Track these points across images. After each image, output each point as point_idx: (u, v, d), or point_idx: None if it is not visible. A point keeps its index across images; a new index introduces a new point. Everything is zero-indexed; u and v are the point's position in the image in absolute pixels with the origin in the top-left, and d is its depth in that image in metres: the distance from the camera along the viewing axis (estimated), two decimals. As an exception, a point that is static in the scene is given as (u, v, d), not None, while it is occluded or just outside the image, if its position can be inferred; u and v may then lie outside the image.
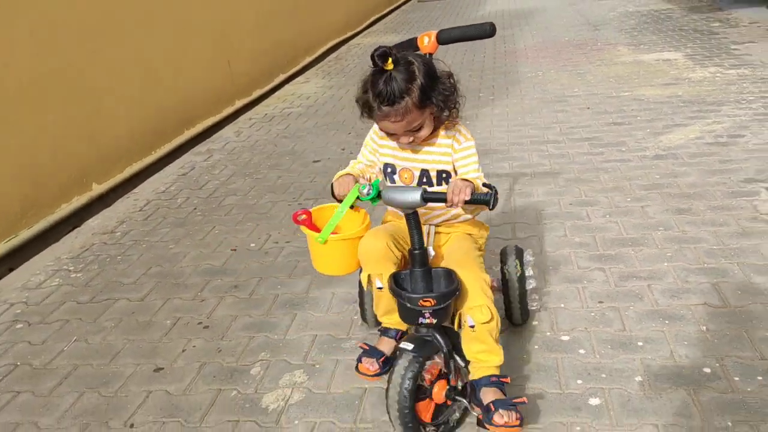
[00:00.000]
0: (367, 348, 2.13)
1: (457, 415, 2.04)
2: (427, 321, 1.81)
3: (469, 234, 2.17)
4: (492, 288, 2.03)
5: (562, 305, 2.65)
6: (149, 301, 2.98)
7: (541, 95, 6.03)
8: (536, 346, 2.40)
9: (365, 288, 2.10)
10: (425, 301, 1.78)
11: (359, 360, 2.11)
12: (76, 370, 2.49)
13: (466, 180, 1.80)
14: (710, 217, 3.29)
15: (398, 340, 2.14)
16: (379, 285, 2.01)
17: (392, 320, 2.17)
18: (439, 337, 1.90)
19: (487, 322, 1.90)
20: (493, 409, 1.88)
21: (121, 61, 4.69)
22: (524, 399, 1.91)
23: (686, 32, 8.33)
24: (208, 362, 2.48)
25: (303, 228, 2.00)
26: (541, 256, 3.07)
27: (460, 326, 1.95)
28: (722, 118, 4.82)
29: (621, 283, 2.77)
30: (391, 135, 1.94)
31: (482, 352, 1.95)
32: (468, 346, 1.96)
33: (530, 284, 2.43)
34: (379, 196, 1.81)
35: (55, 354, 2.61)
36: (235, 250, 3.44)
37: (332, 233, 1.94)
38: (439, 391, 1.92)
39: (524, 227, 3.38)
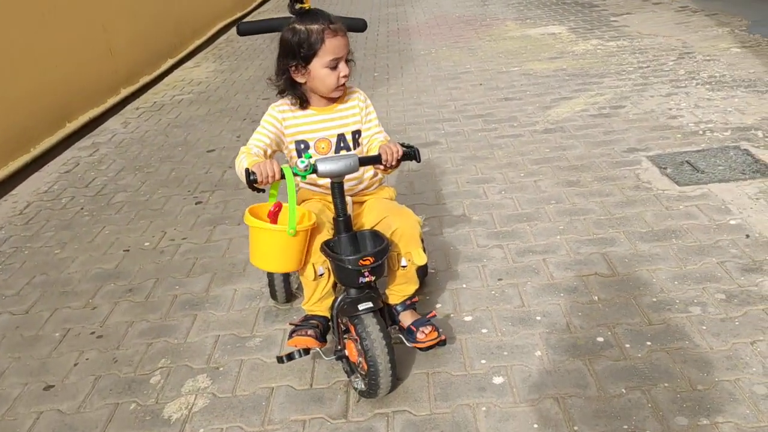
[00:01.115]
0: (299, 323, 2.19)
1: None
2: (367, 279, 1.94)
3: (384, 197, 2.30)
4: None
5: (464, 285, 2.70)
6: (34, 312, 2.79)
7: (435, 72, 6.09)
8: (441, 329, 2.42)
9: (309, 282, 2.13)
10: (365, 260, 1.90)
11: (291, 337, 2.15)
12: None
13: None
14: (597, 188, 3.43)
15: (325, 323, 2.22)
16: (321, 271, 2.10)
17: (322, 307, 2.21)
18: (375, 290, 2.04)
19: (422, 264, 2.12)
20: (414, 329, 2.12)
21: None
22: (434, 313, 2.25)
23: (569, 6, 8.62)
24: (104, 375, 2.35)
25: (256, 222, 1.93)
26: (442, 237, 3.11)
27: (396, 267, 2.12)
28: (604, 90, 5.03)
29: (518, 259, 2.85)
30: (335, 68, 2.04)
31: (404, 284, 2.18)
32: (393, 281, 2.17)
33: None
34: (315, 169, 1.87)
35: (-69, 380, 2.40)
36: (128, 250, 3.28)
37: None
38: None
39: (424, 208, 3.41)
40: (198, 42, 8.30)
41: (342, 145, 2.17)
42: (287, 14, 2.25)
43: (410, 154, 1.98)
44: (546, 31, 7.32)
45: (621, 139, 4.05)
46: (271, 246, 1.95)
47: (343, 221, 1.99)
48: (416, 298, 2.26)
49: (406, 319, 2.20)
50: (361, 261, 1.91)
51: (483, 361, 2.24)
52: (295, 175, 1.88)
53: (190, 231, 3.42)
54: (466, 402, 2.07)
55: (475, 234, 3.10)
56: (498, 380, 2.15)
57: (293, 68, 2.08)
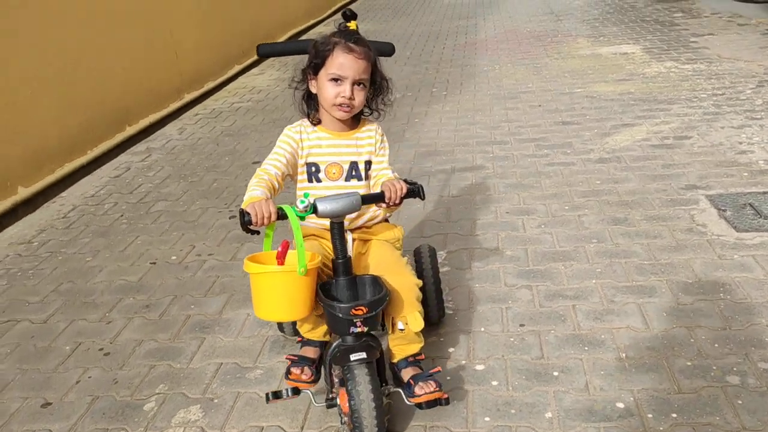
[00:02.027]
0: (295, 359, 2.10)
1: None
2: (359, 329, 1.82)
3: (387, 240, 2.18)
4: None
5: (482, 329, 2.53)
6: (52, 323, 2.81)
7: (495, 91, 5.90)
8: (449, 377, 2.27)
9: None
10: (357, 309, 1.79)
11: (288, 371, 2.07)
12: (-41, 406, 2.32)
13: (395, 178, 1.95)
14: (645, 228, 3.18)
15: (324, 348, 2.14)
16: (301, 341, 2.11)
17: (316, 333, 2.12)
18: (373, 339, 1.91)
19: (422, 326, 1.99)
20: (412, 383, 1.98)
21: (43, 51, 4.43)
22: (438, 368, 2.05)
23: (647, 23, 8.23)
24: (102, 396, 2.32)
25: (260, 267, 1.78)
26: (470, 272, 2.95)
27: (392, 329, 2.00)
28: (671, 117, 4.72)
29: (546, 303, 2.65)
30: (336, 84, 1.96)
31: (406, 345, 2.06)
32: (393, 340, 2.05)
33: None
34: (315, 209, 1.78)
35: (-60, 386, 2.44)
36: (154, 263, 3.27)
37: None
38: None
39: (456, 238, 3.26)
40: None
41: (354, 173, 2.10)
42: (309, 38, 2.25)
43: (414, 191, 1.89)
44: (618, 50, 6.99)
45: (680, 173, 3.76)
46: (280, 291, 1.78)
47: (343, 263, 1.87)
48: (422, 356, 2.09)
49: (407, 373, 2.05)
50: (353, 310, 1.79)
51: (487, 419, 2.07)
52: (285, 218, 1.78)
53: (217, 247, 3.38)
54: (461, 465, 1.92)
55: (505, 271, 2.92)
56: (500, 442, 1.98)
57: (309, 75, 2.07)
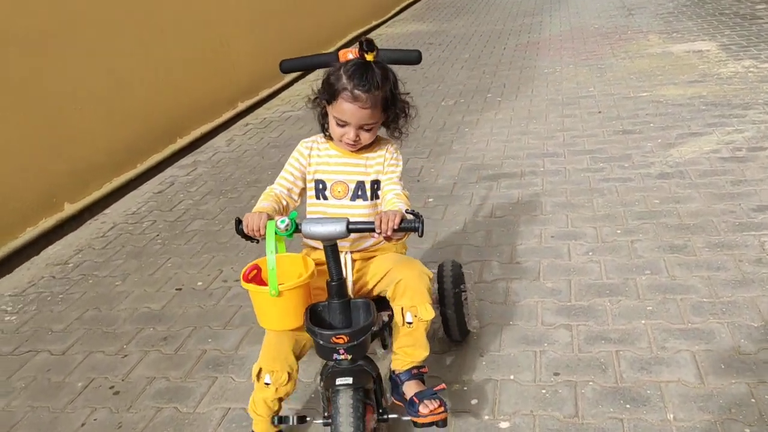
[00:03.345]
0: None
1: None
2: (342, 357, 1.75)
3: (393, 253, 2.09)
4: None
5: (512, 377, 2.29)
6: (70, 355, 2.74)
7: (553, 96, 5.57)
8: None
9: (254, 381, 1.94)
10: (338, 338, 1.72)
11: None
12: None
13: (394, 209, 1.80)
14: (707, 257, 2.85)
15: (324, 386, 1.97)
16: (267, 381, 1.91)
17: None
18: (366, 364, 1.81)
19: (429, 320, 1.90)
20: (417, 401, 1.87)
21: (91, 67, 4.42)
22: (443, 386, 1.91)
23: (726, 17, 7.65)
24: (103, 442, 2.22)
25: (247, 285, 1.77)
26: (504, 307, 2.70)
27: (402, 323, 1.90)
28: (746, 125, 4.29)
29: (586, 348, 2.38)
30: (340, 127, 1.90)
31: (411, 346, 1.95)
32: (398, 341, 1.95)
33: (466, 305, 2.44)
34: (297, 229, 1.71)
35: (-48, 423, 2.40)
36: (180, 289, 3.18)
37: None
38: (368, 423, 1.82)
39: (494, 266, 3.01)
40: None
41: (360, 193, 2.01)
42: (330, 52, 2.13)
43: (408, 227, 1.70)
44: (692, 47, 6.50)
45: (752, 192, 3.38)
46: (259, 305, 1.79)
47: (337, 286, 1.77)
48: (425, 368, 2.00)
49: (410, 389, 1.95)
50: (334, 338, 1.72)
51: (506, 490, 1.84)
52: (276, 234, 1.72)
53: (245, 272, 3.26)
54: None
55: (544, 307, 2.66)
56: None
57: (322, 101, 2.00)
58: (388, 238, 1.74)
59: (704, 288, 2.64)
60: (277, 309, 1.77)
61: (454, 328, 2.38)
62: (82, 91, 4.34)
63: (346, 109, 1.85)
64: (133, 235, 3.89)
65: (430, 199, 3.84)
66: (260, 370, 1.91)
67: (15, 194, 3.83)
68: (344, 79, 1.83)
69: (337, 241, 1.78)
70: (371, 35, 9.70)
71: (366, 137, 1.93)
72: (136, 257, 3.58)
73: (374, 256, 2.06)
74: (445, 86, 6.33)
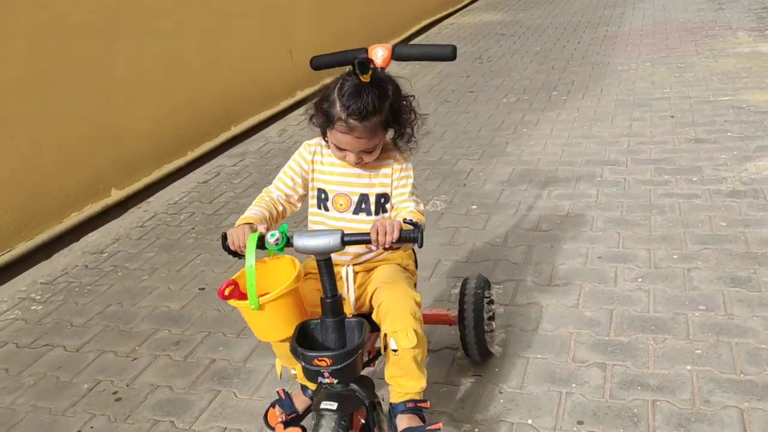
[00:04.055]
0: (284, 398, 2.00)
1: None
2: (327, 381, 1.62)
3: (392, 261, 1.94)
4: (449, 318, 2.24)
5: (530, 421, 2.06)
6: (83, 353, 2.70)
7: (623, 96, 5.19)
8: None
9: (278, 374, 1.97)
10: (320, 360, 1.59)
11: (272, 405, 2.00)
12: (-37, 445, 2.25)
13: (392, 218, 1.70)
14: (774, 295, 2.52)
15: (313, 399, 1.94)
16: (294, 372, 1.92)
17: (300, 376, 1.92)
18: (359, 389, 1.66)
19: (412, 348, 1.72)
20: None
21: (145, 53, 4.38)
22: (440, 425, 1.75)
23: (829, 13, 6.98)
24: (94, 453, 2.15)
25: (234, 302, 1.65)
26: (535, 336, 2.47)
27: (384, 348, 1.76)
28: (838, 140, 3.84)
29: (619, 394, 2.13)
30: (340, 150, 1.77)
31: (402, 377, 1.78)
32: (388, 370, 1.79)
33: (491, 326, 2.31)
34: (288, 243, 1.59)
35: (-43, 418, 2.39)
36: (203, 289, 3.09)
37: (261, 294, 1.61)
38: None
39: (529, 289, 2.77)
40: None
41: (363, 207, 1.86)
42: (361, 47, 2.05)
43: (408, 237, 1.57)
44: (785, 47, 5.94)
45: (837, 219, 2.99)
46: (248, 318, 1.69)
47: (331, 303, 1.63)
48: (426, 403, 1.81)
49: (402, 423, 1.78)
50: (316, 360, 1.59)
51: None
52: (266, 248, 1.62)
53: (270, 275, 3.14)
54: None
55: (578, 340, 2.41)
56: None
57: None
58: (391, 250, 1.62)
59: (764, 331, 2.32)
60: (266, 321, 1.66)
61: (472, 349, 2.23)
62: (135, 77, 4.32)
63: (342, 139, 1.72)
64: (169, 227, 3.84)
65: (474, 206, 3.61)
66: (282, 367, 1.91)
67: (62, 179, 3.84)
68: (338, 107, 1.68)
69: (338, 254, 1.68)
70: (442, 24, 9.43)
71: (369, 158, 1.79)
72: (167, 251, 3.52)
73: (377, 266, 1.92)
74: (510, 81, 6.03)
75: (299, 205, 1.93)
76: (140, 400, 2.37)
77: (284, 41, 5.97)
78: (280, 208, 1.88)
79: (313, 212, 1.91)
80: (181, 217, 3.97)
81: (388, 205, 1.87)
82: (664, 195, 3.45)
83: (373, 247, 1.60)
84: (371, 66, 1.65)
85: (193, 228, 3.78)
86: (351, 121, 1.67)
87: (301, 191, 1.90)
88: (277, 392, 2.02)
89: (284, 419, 1.95)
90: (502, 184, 3.85)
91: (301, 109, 6.17)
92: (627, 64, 6.11)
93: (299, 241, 1.58)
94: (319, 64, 2.16)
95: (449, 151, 4.47)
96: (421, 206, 1.84)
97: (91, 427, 2.26)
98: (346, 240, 1.57)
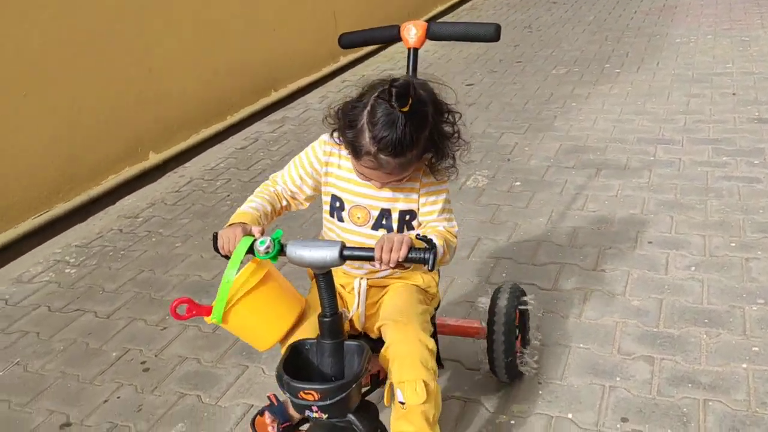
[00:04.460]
0: (276, 404, 1.76)
1: None
2: (315, 415, 1.42)
3: (411, 283, 1.70)
4: (476, 331, 2.01)
5: (570, 416, 1.95)
6: (114, 319, 2.66)
7: (681, 71, 4.93)
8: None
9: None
10: (307, 393, 1.38)
11: (261, 412, 1.74)
12: (-10, 411, 2.24)
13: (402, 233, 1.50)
14: (842, 291, 2.33)
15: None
16: None
17: None
18: (357, 421, 1.44)
19: (422, 404, 1.49)
20: None
21: (186, 15, 4.29)
22: None
23: None
24: (120, 425, 2.10)
25: (214, 320, 1.47)
26: (578, 323, 2.34)
27: (391, 399, 1.54)
28: None
29: (667, 391, 1.99)
30: (362, 176, 1.55)
31: (408, 427, 1.53)
32: (394, 423, 1.56)
33: (527, 340, 2.09)
34: (282, 252, 1.39)
35: (-13, 382, 2.38)
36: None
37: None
38: None
39: (573, 272, 2.63)
40: (441, 7, 7.85)
41: (384, 223, 1.62)
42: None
43: (416, 258, 1.36)
44: None
45: None
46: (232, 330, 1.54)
47: (329, 323, 1.43)
48: None
49: None
50: (301, 393, 1.38)
51: None
52: (255, 256, 1.42)
53: (304, 247, 3.06)
54: None
55: (624, 330, 2.27)
56: None
57: None
58: (399, 268, 1.43)
59: (831, 331, 2.15)
60: (248, 327, 1.52)
61: (500, 369, 1.98)
62: (176, 40, 4.24)
63: (368, 172, 1.50)
64: (205, 193, 3.79)
65: (517, 183, 3.45)
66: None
67: (101, 142, 3.81)
68: (367, 138, 1.42)
69: (353, 267, 1.55)
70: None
71: (400, 181, 1.56)
72: (201, 218, 3.47)
73: (392, 285, 1.69)
74: (560, 52, 5.79)
75: (307, 204, 1.72)
76: (168, 372, 2.33)
77: (328, 4, 5.83)
78: (284, 203, 1.69)
79: (327, 218, 1.69)
80: (217, 183, 3.91)
81: (414, 223, 1.63)
82: (722, 178, 3.25)
83: (377, 265, 1.38)
84: (412, 93, 1.39)
85: (229, 195, 3.72)
86: (382, 156, 1.42)
87: (309, 191, 1.68)
88: (268, 397, 1.78)
89: (276, 429, 1.71)
90: (548, 160, 3.68)
91: (344, 75, 6.07)
92: (686, 37, 5.80)
93: (293, 251, 1.38)
94: (348, 42, 2.02)
95: (494, 123, 4.30)
96: (454, 226, 1.63)
97: (118, 397, 2.23)
98: (346, 254, 1.37)
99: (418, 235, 1.44)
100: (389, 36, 1.94)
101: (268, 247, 1.39)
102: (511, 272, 2.68)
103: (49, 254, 3.28)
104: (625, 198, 3.17)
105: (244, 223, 1.52)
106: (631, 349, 2.18)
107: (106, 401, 2.22)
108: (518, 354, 2.04)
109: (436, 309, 1.77)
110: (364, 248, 1.40)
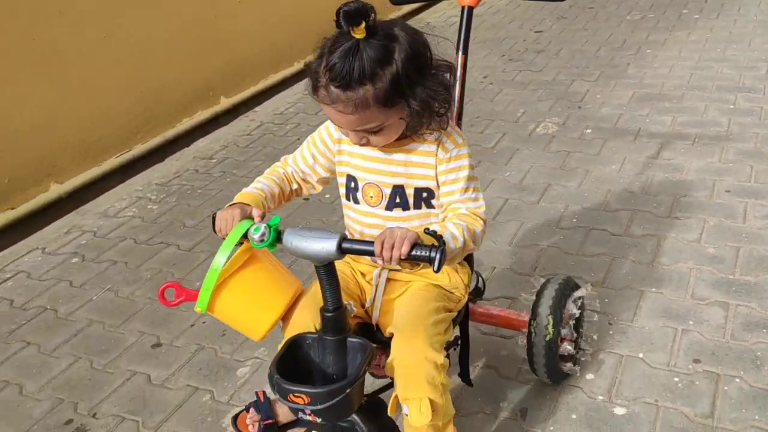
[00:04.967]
0: (262, 400, 1.57)
1: None
2: (309, 418, 1.31)
3: (436, 284, 1.52)
4: (518, 323, 1.82)
5: (641, 355, 1.97)
6: (195, 252, 2.80)
7: (764, 17, 4.72)
8: (573, 414, 1.80)
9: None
10: (296, 396, 1.26)
11: (246, 408, 1.59)
12: (87, 328, 2.40)
13: (406, 228, 1.23)
14: None
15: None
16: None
17: None
18: (360, 423, 1.35)
19: (428, 422, 1.36)
20: None
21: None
22: None
23: None
24: (206, 347, 2.24)
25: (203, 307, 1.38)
26: (651, 267, 2.34)
27: (396, 410, 1.41)
28: None
29: (741, 335, 1.99)
30: (338, 126, 1.40)
31: None
32: (405, 430, 1.45)
33: (568, 349, 1.81)
34: (279, 239, 1.27)
35: (83, 303, 2.54)
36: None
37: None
38: None
39: (647, 218, 2.61)
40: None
41: (398, 201, 1.46)
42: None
43: (420, 256, 1.20)
44: None
45: None
46: (222, 318, 1.45)
47: (331, 318, 1.30)
48: None
49: None
50: (291, 395, 1.26)
51: (605, 490, 1.60)
52: (250, 244, 1.31)
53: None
54: None
55: (698, 276, 2.27)
56: None
57: None
58: (407, 268, 1.31)
59: None
60: (237, 313, 1.41)
61: (540, 371, 1.81)
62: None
63: (327, 112, 1.34)
64: (275, 137, 3.87)
65: (588, 130, 3.41)
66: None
67: (175, 85, 3.92)
68: (321, 66, 1.29)
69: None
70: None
71: (378, 140, 1.37)
72: (273, 160, 3.48)
73: (413, 283, 1.52)
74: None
75: (320, 188, 1.60)
76: (248, 302, 2.45)
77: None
78: (294, 186, 1.58)
79: (344, 203, 1.56)
80: (287, 127, 3.99)
81: (434, 201, 1.47)
82: (807, 127, 3.14)
83: (378, 261, 1.22)
84: (366, 14, 1.23)
85: (298, 139, 3.80)
86: (332, 88, 1.26)
87: (322, 173, 1.56)
88: (256, 393, 1.59)
89: (258, 428, 1.55)
90: (620, 107, 3.61)
91: (424, 14, 6.00)
92: (771, -19, 5.50)
93: (289, 240, 1.25)
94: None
95: (564, 70, 4.22)
96: (480, 206, 1.44)
97: (203, 323, 2.37)
98: (345, 247, 1.23)
99: (427, 230, 1.26)
100: None
101: (263, 234, 1.28)
102: (582, 217, 2.68)
103: (132, 191, 3.44)
104: (702, 146, 3.10)
105: (244, 204, 1.41)
106: (705, 295, 2.18)
107: (192, 325, 2.36)
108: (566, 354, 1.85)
109: (474, 300, 1.67)
110: (365, 242, 1.26)
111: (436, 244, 1.21)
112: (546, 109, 3.72)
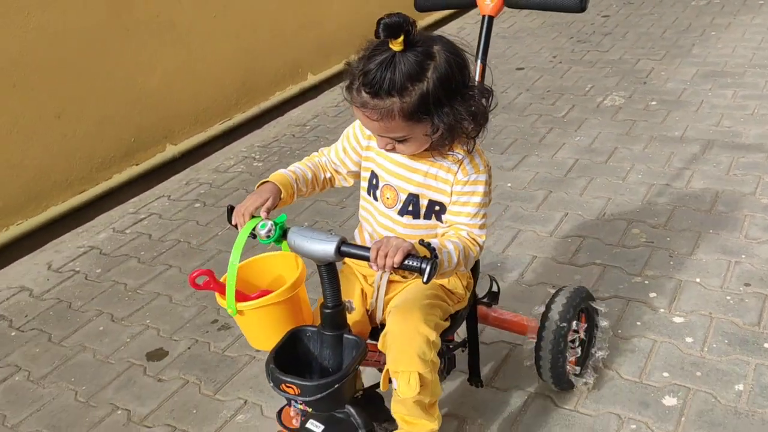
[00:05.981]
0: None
1: None
2: (301, 407, 1.42)
3: (440, 282, 1.58)
4: (529, 328, 1.83)
5: (698, 279, 2.28)
6: (299, 200, 3.21)
7: (829, 1, 4.86)
8: (638, 323, 2.13)
9: None
10: (288, 386, 1.35)
11: (289, 403, 1.55)
12: (218, 255, 2.84)
13: (402, 238, 1.29)
14: None
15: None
16: None
17: None
18: (355, 413, 1.44)
19: (416, 394, 1.45)
20: None
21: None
22: None
23: None
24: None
25: (226, 300, 1.42)
26: (708, 214, 2.63)
27: (388, 385, 1.51)
28: None
29: (788, 266, 2.28)
30: (366, 129, 1.51)
31: (406, 414, 1.53)
32: (394, 406, 1.55)
33: (592, 353, 1.90)
34: (284, 237, 1.36)
35: (210, 237, 2.99)
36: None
37: (257, 294, 1.46)
38: None
39: (706, 177, 2.90)
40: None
41: (410, 209, 1.51)
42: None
43: (411, 266, 1.25)
44: None
45: None
46: (238, 320, 1.48)
47: (331, 315, 1.39)
48: None
49: None
50: (283, 385, 1.36)
51: (665, 374, 1.92)
52: (258, 240, 1.38)
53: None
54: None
55: (752, 221, 2.56)
56: (670, 401, 1.84)
57: None
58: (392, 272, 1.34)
59: None
60: (254, 327, 1.47)
61: (545, 373, 1.81)
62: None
63: (356, 113, 1.38)
64: (327, 126, 4.26)
65: (653, 102, 3.69)
66: None
67: (271, 62, 4.36)
68: (356, 72, 1.34)
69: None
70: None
71: (404, 148, 1.41)
72: (361, 128, 3.95)
73: (413, 281, 1.58)
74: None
75: (351, 181, 1.64)
76: (351, 237, 2.85)
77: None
78: (328, 175, 1.64)
79: (364, 197, 1.61)
80: (325, 125, 4.37)
81: (444, 216, 1.51)
82: None
83: (373, 267, 1.28)
84: (407, 27, 1.26)
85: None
86: (363, 92, 1.31)
87: (351, 166, 1.60)
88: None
89: (299, 421, 1.55)
90: (684, 83, 3.88)
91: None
92: (838, -32, 5.61)
93: (292, 239, 1.34)
94: (423, 5, 1.92)
95: (630, 51, 4.49)
96: (482, 235, 1.47)
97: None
98: (343, 251, 1.29)
99: (422, 241, 1.31)
100: (465, 1, 1.85)
101: (269, 231, 1.35)
102: (646, 174, 2.98)
103: (237, 152, 3.89)
104: (760, 116, 3.35)
105: (273, 182, 1.50)
106: (757, 236, 2.47)
107: (305, 255, 2.77)
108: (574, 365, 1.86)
109: (477, 303, 1.75)
110: (362, 247, 1.31)
111: (429, 256, 1.27)
112: (613, 84, 4.01)
